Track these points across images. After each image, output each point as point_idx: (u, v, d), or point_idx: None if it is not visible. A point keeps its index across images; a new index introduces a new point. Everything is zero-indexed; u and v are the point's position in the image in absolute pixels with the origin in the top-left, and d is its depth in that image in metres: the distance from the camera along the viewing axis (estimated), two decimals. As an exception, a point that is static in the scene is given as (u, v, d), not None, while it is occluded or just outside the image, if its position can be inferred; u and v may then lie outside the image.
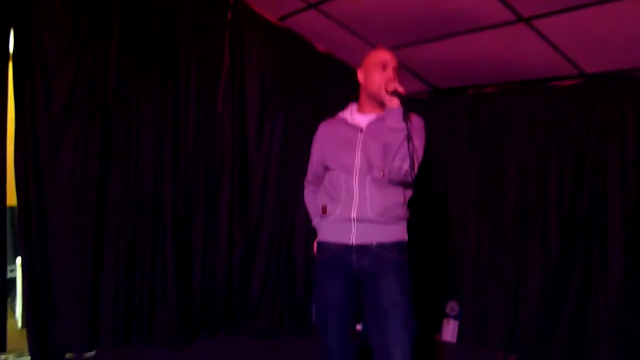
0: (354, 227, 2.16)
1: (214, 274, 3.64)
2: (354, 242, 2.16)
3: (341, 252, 2.19)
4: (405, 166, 2.04)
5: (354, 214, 2.15)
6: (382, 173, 2.12)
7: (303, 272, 4.13)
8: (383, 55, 2.23)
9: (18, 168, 2.79)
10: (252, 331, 3.79)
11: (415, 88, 4.57)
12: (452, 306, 4.17)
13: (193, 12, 3.37)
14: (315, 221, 2.47)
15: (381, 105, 2.17)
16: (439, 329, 4.18)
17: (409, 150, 2.01)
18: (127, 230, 3.19)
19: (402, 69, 4.05)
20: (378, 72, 2.18)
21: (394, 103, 2.02)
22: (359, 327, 3.44)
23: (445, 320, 4.16)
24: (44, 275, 2.91)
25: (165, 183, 3.32)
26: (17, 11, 2.71)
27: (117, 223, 3.15)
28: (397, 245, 2.19)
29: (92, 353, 3.10)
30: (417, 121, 2.18)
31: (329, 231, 2.26)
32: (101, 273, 3.12)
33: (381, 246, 2.15)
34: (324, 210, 2.27)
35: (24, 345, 2.90)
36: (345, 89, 4.42)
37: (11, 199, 2.86)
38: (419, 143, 2.15)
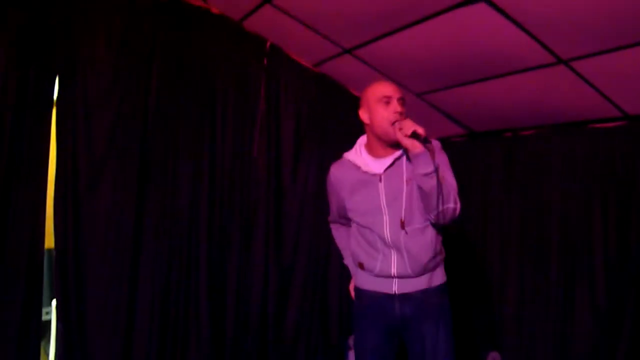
0: (395, 280, 2.12)
1: (248, 314, 3.59)
2: (396, 291, 2.11)
3: (382, 300, 2.13)
4: (452, 204, 1.97)
5: (394, 271, 2.09)
6: (402, 225, 2.04)
7: (337, 312, 4.04)
8: (382, 88, 2.08)
9: (57, 210, 2.84)
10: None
11: (451, 132, 4.53)
12: (493, 357, 3.97)
13: (230, 55, 3.45)
14: (347, 261, 2.43)
15: (392, 145, 2.08)
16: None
17: (446, 187, 1.94)
18: (161, 271, 3.18)
19: (437, 112, 4.06)
20: (382, 107, 2.04)
21: (417, 147, 1.89)
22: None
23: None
24: (78, 318, 2.91)
25: (199, 223, 3.32)
26: (61, 53, 2.80)
27: (151, 264, 3.15)
28: (439, 289, 2.15)
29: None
30: (437, 150, 2.05)
31: (368, 281, 2.20)
32: (135, 316, 3.10)
33: (424, 292, 2.11)
34: (361, 266, 2.20)
35: (56, 390, 2.88)
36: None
37: (49, 241, 2.90)
38: (449, 173, 2.07)
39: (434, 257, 2.12)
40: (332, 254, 4.02)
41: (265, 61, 3.64)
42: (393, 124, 1.98)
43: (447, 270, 2.29)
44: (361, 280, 2.24)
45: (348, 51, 3.43)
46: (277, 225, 3.71)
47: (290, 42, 3.60)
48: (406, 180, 2.07)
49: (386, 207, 2.07)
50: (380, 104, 2.04)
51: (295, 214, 3.82)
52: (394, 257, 2.08)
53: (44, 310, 3.30)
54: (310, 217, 3.87)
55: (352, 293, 2.34)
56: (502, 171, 4.11)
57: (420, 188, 1.97)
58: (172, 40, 3.20)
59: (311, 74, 3.88)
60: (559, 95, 3.26)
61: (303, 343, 3.82)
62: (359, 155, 2.20)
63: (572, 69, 2.88)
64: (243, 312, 3.56)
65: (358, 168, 2.15)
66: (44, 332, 3.32)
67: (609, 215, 3.43)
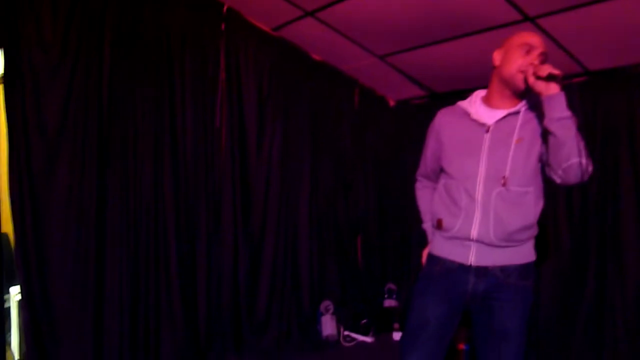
0: (473, 247, 1.91)
1: (220, 289, 3.52)
2: (472, 263, 1.92)
3: (456, 271, 1.95)
4: (585, 159, 1.72)
5: (474, 234, 1.89)
6: (503, 182, 1.84)
7: (308, 284, 4.04)
8: (529, 38, 1.89)
9: (12, 192, 2.65)
10: (260, 348, 3.67)
11: (411, 93, 4.52)
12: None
13: (186, 23, 3.26)
14: (426, 225, 2.23)
15: (515, 96, 1.91)
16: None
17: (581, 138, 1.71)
18: (128, 250, 3.05)
19: (397, 74, 4.03)
20: (520, 54, 1.85)
21: (553, 89, 1.71)
22: (462, 346, 3.40)
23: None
24: (43, 302, 2.76)
25: (165, 198, 3.19)
26: (5, 30, 2.58)
27: (118, 243, 3.01)
28: (522, 269, 1.93)
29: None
30: None
31: (444, 247, 2.01)
32: (104, 296, 2.98)
33: (503, 269, 1.90)
34: (440, 224, 2.00)
35: (24, 379, 2.76)
36: (341, 97, 4.41)
37: (6, 226, 2.72)
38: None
39: (524, 229, 1.89)
40: (300, 223, 4.00)
41: (223, 26, 3.47)
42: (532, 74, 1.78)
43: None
44: (436, 245, 2.06)
45: (310, 13, 3.31)
46: (245, 197, 3.62)
47: (248, 4, 3.44)
48: (517, 139, 1.88)
49: (485, 161, 1.89)
50: (519, 50, 1.86)
51: (262, 184, 3.74)
52: (477, 216, 1.88)
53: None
54: (276, 187, 3.80)
55: (424, 258, 2.15)
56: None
57: (552, 135, 1.73)
58: (123, 9, 2.99)
59: (271, 39, 3.74)
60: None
61: (276, 314, 3.80)
62: (472, 102, 2.04)
63: (539, 26, 2.88)
64: (215, 289, 3.49)
65: (467, 115, 1.99)
66: (4, 320, 3.18)
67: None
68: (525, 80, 1.79)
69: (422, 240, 2.27)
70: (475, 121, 1.95)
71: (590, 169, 1.76)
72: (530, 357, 3.67)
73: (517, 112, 1.91)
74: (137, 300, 3.10)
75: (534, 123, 1.88)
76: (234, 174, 3.55)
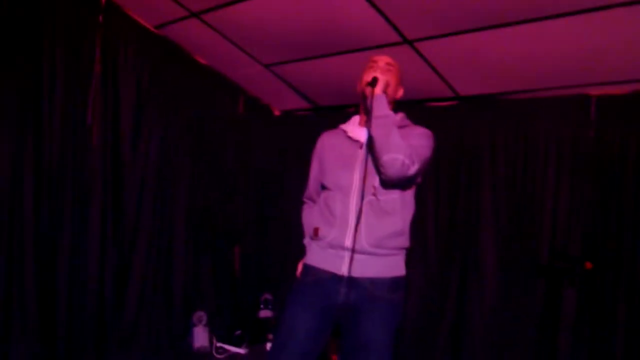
0: (346, 257, 1.92)
1: (83, 298, 3.23)
2: (345, 273, 1.93)
3: (328, 281, 1.96)
4: (401, 156, 1.81)
5: (347, 242, 1.92)
6: (373, 192, 1.92)
7: (181, 291, 3.87)
8: (374, 56, 2.09)
9: None
10: (127, 361, 3.44)
11: (296, 105, 4.56)
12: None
13: (59, 9, 3.00)
14: (306, 240, 2.22)
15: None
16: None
17: (397, 138, 1.83)
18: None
19: (284, 85, 4.04)
20: (365, 72, 2.03)
21: (377, 90, 1.90)
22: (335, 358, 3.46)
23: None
24: None
25: (24, 198, 2.88)
26: None
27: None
28: (391, 282, 1.97)
29: None
30: (420, 129, 2.07)
31: (318, 256, 2.03)
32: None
33: (372, 282, 1.93)
34: (316, 232, 2.04)
35: None
36: (225, 104, 4.32)
37: None
38: (417, 140, 1.95)
39: (394, 235, 1.95)
40: (175, 231, 3.84)
41: (100, 18, 3.26)
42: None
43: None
44: (311, 256, 2.08)
45: (195, 14, 3.22)
46: (116, 199, 3.40)
47: (129, -1, 3.27)
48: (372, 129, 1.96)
49: (359, 173, 1.95)
50: (366, 69, 2.03)
51: (136, 188, 3.53)
52: (351, 225, 1.92)
53: None
54: (151, 192, 3.62)
55: (299, 270, 2.16)
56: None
57: (372, 134, 1.86)
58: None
59: (153, 37, 3.57)
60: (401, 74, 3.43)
61: (144, 326, 3.59)
62: (350, 123, 2.17)
63: (416, 50, 3.04)
64: (77, 297, 3.21)
65: (345, 133, 2.12)
66: None
67: (440, 187, 3.75)
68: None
69: (301, 251, 2.25)
70: (350, 138, 2.07)
71: (412, 168, 1.86)
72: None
73: None
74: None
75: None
76: (105, 176, 3.31)
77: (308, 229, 2.23)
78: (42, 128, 2.97)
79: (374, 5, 2.69)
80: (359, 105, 2.14)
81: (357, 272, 1.93)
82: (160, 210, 3.71)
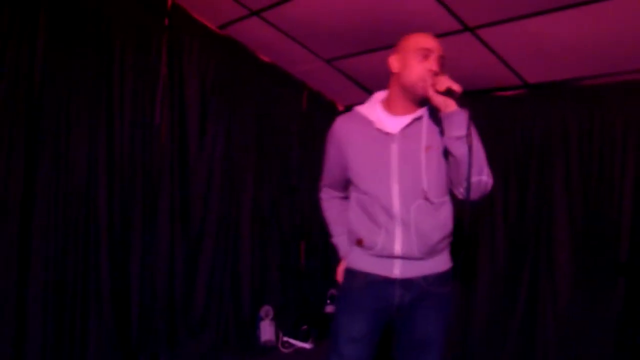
0: (398, 262, 1.84)
1: (154, 288, 3.39)
2: (398, 276, 1.85)
3: (381, 284, 1.87)
4: (485, 176, 1.75)
5: (398, 251, 1.82)
6: (424, 195, 1.78)
7: (248, 286, 3.95)
8: (425, 40, 1.81)
9: None
10: (195, 351, 3.56)
11: (361, 99, 4.51)
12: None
13: (128, 14, 3.15)
14: (338, 239, 2.14)
15: (417, 102, 1.84)
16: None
17: (479, 156, 1.71)
18: (56, 244, 2.90)
19: (345, 79, 4.02)
20: (418, 60, 1.78)
21: (450, 106, 1.67)
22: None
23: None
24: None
25: (98, 195, 3.05)
26: None
27: (45, 236, 2.86)
28: (442, 276, 1.91)
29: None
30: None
31: (366, 262, 1.91)
32: (27, 290, 2.83)
33: (426, 279, 1.86)
34: (360, 243, 1.90)
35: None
36: (289, 100, 4.37)
37: None
38: (479, 144, 1.78)
39: (445, 238, 1.88)
40: (242, 225, 3.92)
41: (166, 21, 3.39)
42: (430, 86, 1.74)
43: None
44: (356, 260, 1.94)
45: (255, 13, 3.27)
46: (184, 195, 3.53)
47: (193, 1, 3.37)
48: (425, 147, 1.81)
49: (397, 174, 1.80)
50: (417, 55, 1.78)
51: (203, 184, 3.65)
52: (398, 233, 1.80)
53: None
54: (218, 188, 3.72)
55: (340, 276, 2.04)
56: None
57: (451, 154, 1.72)
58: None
59: (217, 37, 3.67)
60: (464, 64, 3.31)
61: (213, 316, 3.70)
62: (373, 109, 1.91)
63: (478, 37, 2.92)
64: (149, 289, 3.37)
65: (370, 123, 1.86)
66: None
67: (509, 178, 3.59)
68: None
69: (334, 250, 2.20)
70: (379, 130, 1.85)
71: (490, 184, 1.78)
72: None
73: (420, 118, 1.85)
74: (63, 296, 2.95)
75: (439, 129, 1.83)
76: (172, 173, 3.45)
77: (336, 226, 2.16)
78: (114, 128, 3.13)
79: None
80: (389, 85, 1.92)
81: (411, 273, 1.85)
82: (226, 205, 3.80)
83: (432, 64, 1.77)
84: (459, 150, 1.68)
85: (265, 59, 4.02)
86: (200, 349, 3.60)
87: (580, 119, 3.28)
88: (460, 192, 1.80)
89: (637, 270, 3.02)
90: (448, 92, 1.66)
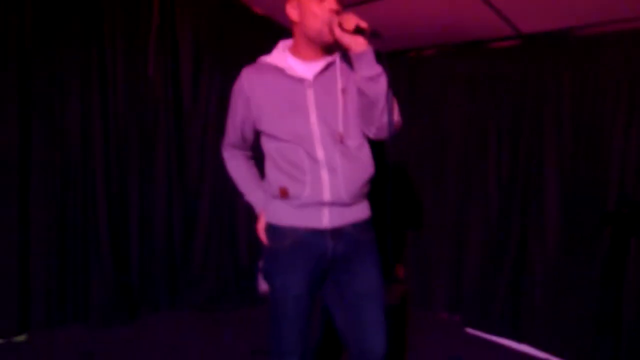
0: (326, 210, 1.76)
1: (153, 242, 3.50)
2: (327, 225, 1.76)
3: (310, 238, 1.77)
4: (397, 117, 1.72)
5: (327, 197, 1.74)
6: (340, 139, 1.73)
7: (246, 236, 4.04)
8: None
9: None
10: (195, 301, 3.69)
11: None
12: (399, 269, 4.20)
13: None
14: (253, 197, 2.00)
15: (325, 48, 1.76)
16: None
17: (391, 96, 1.67)
18: (54, 199, 3.00)
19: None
20: (315, 3, 1.68)
21: (360, 44, 1.59)
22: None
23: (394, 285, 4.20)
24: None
25: (94, 147, 3.12)
26: None
27: (43, 192, 2.95)
28: (368, 222, 1.88)
29: (23, 337, 2.91)
30: None
31: (291, 215, 1.79)
32: (29, 249, 2.93)
33: (355, 226, 1.82)
34: (284, 193, 1.77)
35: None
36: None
37: None
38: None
39: (368, 182, 1.84)
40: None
41: (157, -30, 3.35)
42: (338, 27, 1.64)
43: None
44: (280, 215, 1.82)
45: (249, -38, 3.22)
46: (179, 148, 3.57)
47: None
48: (342, 89, 1.76)
49: (316, 118, 1.73)
50: (313, 0, 1.68)
51: (199, 135, 3.68)
52: (325, 178, 1.72)
53: None
54: (214, 138, 3.74)
55: (262, 234, 1.91)
56: (406, 91, 4.17)
57: (363, 94, 1.67)
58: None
59: (209, -13, 3.63)
60: (458, 14, 3.28)
61: (213, 267, 3.81)
62: (282, 57, 1.79)
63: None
64: (148, 240, 3.46)
65: (281, 71, 1.75)
66: None
67: (502, 129, 3.63)
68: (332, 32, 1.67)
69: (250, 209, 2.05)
70: (292, 77, 1.75)
71: (400, 123, 1.77)
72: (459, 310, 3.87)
73: (334, 62, 1.79)
74: (64, 252, 3.06)
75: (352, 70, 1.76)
76: (167, 124, 3.50)
77: (249, 184, 2.03)
78: (107, 82, 3.15)
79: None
80: (294, 35, 1.81)
81: (339, 221, 1.79)
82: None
83: (331, 2, 1.68)
84: (371, 89, 1.64)
85: (259, 11, 3.98)
86: (200, 298, 3.71)
87: (574, 69, 3.26)
88: (371, 131, 1.78)
89: (622, 219, 3.09)
90: (357, 31, 1.59)
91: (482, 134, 3.73)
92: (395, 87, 3.88)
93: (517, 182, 3.53)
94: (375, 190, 1.94)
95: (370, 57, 1.61)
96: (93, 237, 3.14)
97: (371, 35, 1.60)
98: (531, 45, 3.46)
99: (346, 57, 1.77)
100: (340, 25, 1.61)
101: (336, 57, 1.80)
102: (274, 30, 4.15)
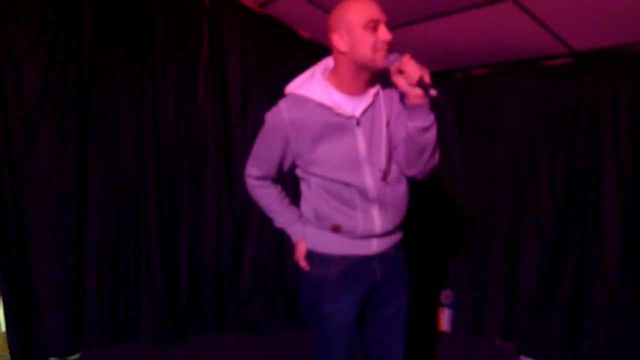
0: (375, 239, 1.82)
1: (202, 264, 3.57)
2: (376, 251, 1.84)
3: (359, 264, 1.82)
4: (436, 160, 1.76)
5: (378, 230, 1.80)
6: (387, 173, 1.76)
7: (293, 259, 4.03)
8: (369, 10, 1.62)
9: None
10: (243, 324, 3.71)
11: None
12: (446, 295, 4.09)
13: (169, -3, 3.27)
14: (292, 226, 1.97)
15: (372, 77, 1.70)
16: (434, 319, 4.11)
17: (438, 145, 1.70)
18: (109, 224, 3.13)
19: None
20: (369, 34, 1.60)
21: (418, 97, 1.56)
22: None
23: (440, 310, 4.09)
24: (24, 275, 2.84)
25: (147, 173, 3.24)
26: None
27: (98, 217, 3.09)
28: (401, 242, 1.97)
29: (77, 356, 3.03)
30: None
31: (342, 245, 1.81)
32: (84, 270, 3.07)
33: (395, 247, 1.92)
34: (337, 229, 1.78)
35: (5, 350, 2.82)
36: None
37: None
38: None
39: (407, 209, 1.91)
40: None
41: (207, 2, 3.46)
42: (386, 59, 1.60)
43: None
44: (330, 245, 1.83)
45: (293, -11, 3.28)
46: (228, 173, 3.64)
47: (232, -19, 3.42)
48: (386, 124, 1.75)
49: (367, 157, 1.72)
50: (366, 30, 1.60)
51: (246, 158, 3.74)
52: (376, 212, 1.77)
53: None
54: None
55: (303, 263, 1.90)
56: (454, 112, 4.09)
57: (412, 141, 1.67)
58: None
59: (257, 15, 3.71)
60: (508, 33, 3.21)
61: (260, 290, 3.83)
62: (325, 91, 1.70)
63: (519, 4, 2.82)
64: (197, 263, 3.54)
65: (327, 109, 1.68)
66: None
67: (556, 148, 3.49)
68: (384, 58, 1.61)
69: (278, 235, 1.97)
70: (339, 115, 1.69)
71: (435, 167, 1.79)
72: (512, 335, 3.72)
73: (378, 93, 1.76)
74: (117, 274, 3.17)
75: (394, 103, 1.77)
76: (217, 151, 3.58)
77: (281, 211, 1.99)
78: (158, 108, 3.27)
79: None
80: (338, 65, 1.71)
81: (384, 246, 1.87)
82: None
83: (384, 34, 1.61)
84: (422, 139, 1.65)
85: (306, 35, 4.03)
86: (247, 320, 3.74)
87: (631, 87, 3.11)
88: (411, 172, 1.80)
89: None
90: (420, 84, 1.53)
91: (534, 154, 3.59)
92: (442, 109, 3.77)
93: (573, 203, 3.37)
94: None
95: (426, 109, 1.59)
96: (145, 258, 3.24)
97: (431, 92, 1.52)
98: (585, 63, 3.33)
99: (386, 82, 1.74)
100: (400, 71, 1.57)
101: (379, 88, 1.76)
102: (321, 53, 4.18)
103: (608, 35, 3.06)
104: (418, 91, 1.56)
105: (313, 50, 4.13)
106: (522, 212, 3.67)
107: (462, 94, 4.05)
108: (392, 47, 1.63)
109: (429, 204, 4.16)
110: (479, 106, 3.95)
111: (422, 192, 4.15)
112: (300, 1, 3.41)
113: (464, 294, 4.01)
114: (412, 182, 1.90)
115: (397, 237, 1.94)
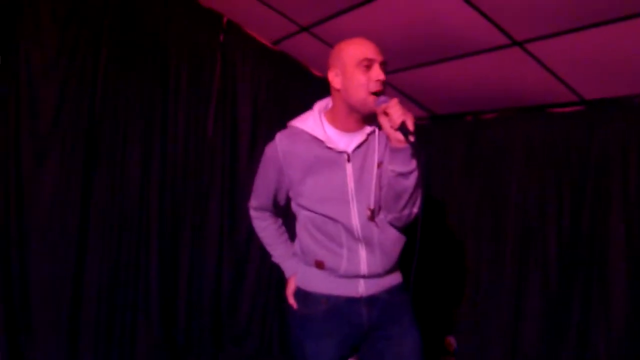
0: (362, 280, 1.77)
1: (201, 295, 3.53)
2: (363, 294, 1.76)
3: (345, 305, 1.76)
4: (416, 209, 1.69)
5: (364, 271, 1.75)
6: (371, 211, 1.72)
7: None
8: (363, 49, 1.66)
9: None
10: (239, 358, 3.64)
11: (414, 114, 4.48)
12: (449, 342, 3.99)
13: (185, 31, 3.34)
14: (285, 261, 1.99)
15: (366, 117, 1.73)
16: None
17: (417, 189, 1.64)
18: (110, 249, 3.11)
19: (398, 93, 4.02)
20: (361, 72, 1.64)
21: (399, 141, 1.55)
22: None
23: (443, 357, 3.99)
24: (22, 299, 2.82)
25: (150, 202, 3.24)
26: (1, 21, 2.67)
27: (100, 242, 3.07)
28: (401, 286, 1.88)
29: (71, 381, 2.98)
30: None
31: (326, 284, 1.78)
32: (82, 295, 3.03)
33: (389, 292, 1.82)
34: (320, 265, 1.76)
35: (-3, 373, 2.79)
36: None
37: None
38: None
39: (401, 250, 1.84)
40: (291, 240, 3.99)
41: (221, 37, 3.54)
42: (376, 96, 1.63)
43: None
44: (314, 283, 1.80)
45: (305, 29, 3.35)
46: (232, 207, 3.64)
47: (247, 18, 3.50)
48: (378, 164, 1.74)
49: (354, 194, 1.70)
50: (359, 69, 1.64)
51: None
52: (362, 253, 1.73)
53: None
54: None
55: (291, 300, 1.88)
56: (463, 155, 4.09)
57: (389, 185, 1.65)
58: (123, 13, 3.08)
59: (270, 52, 3.78)
60: (516, 79, 3.24)
61: (257, 324, 3.78)
62: (319, 125, 1.74)
63: (527, 51, 2.85)
64: (196, 294, 3.50)
65: (319, 143, 1.71)
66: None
67: (564, 197, 3.44)
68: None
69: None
70: (330, 149, 1.71)
71: (414, 216, 1.72)
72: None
73: (372, 132, 1.77)
74: (114, 300, 3.13)
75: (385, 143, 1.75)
76: (223, 184, 3.59)
77: (275, 245, 2.04)
78: (167, 138, 3.30)
79: (479, 11, 2.57)
80: (334, 102, 1.78)
81: (373, 290, 1.78)
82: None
83: (377, 73, 1.64)
84: (399, 185, 1.62)
85: (318, 73, 4.09)
86: (243, 355, 3.68)
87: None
88: (387, 217, 1.74)
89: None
90: (402, 129, 1.53)
91: (542, 200, 3.55)
92: (452, 151, 3.78)
93: (580, 252, 3.31)
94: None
95: (407, 154, 1.58)
96: (143, 290, 3.22)
97: (409, 138, 1.54)
98: (595, 111, 3.32)
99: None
100: (385, 113, 1.58)
101: (375, 128, 1.77)
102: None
103: (618, 85, 3.06)
104: (399, 135, 1.55)
105: (324, 88, 4.15)
106: (528, 257, 3.60)
107: (471, 138, 4.05)
108: (392, 89, 1.65)
109: (433, 249, 4.11)
110: (487, 149, 3.94)
111: (426, 238, 4.11)
112: (313, 40, 3.48)
113: (467, 339, 3.91)
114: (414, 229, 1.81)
115: (390, 281, 1.84)
